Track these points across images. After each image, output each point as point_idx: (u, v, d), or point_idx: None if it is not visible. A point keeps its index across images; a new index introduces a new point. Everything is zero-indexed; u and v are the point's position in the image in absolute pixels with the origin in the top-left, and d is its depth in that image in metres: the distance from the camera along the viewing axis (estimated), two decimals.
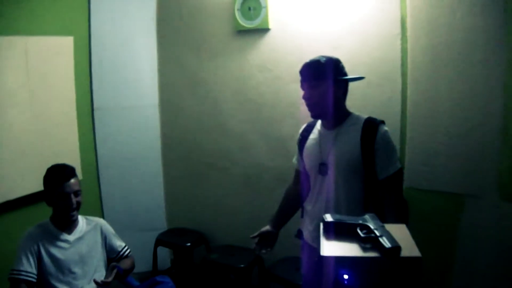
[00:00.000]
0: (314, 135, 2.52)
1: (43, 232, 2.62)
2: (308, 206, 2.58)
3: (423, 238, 2.35)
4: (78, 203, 2.66)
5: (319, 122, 2.53)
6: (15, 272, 2.46)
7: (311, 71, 2.36)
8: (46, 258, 2.57)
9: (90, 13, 3.81)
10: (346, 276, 1.46)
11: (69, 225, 2.71)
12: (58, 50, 3.54)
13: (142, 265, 3.56)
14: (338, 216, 1.68)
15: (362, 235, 1.55)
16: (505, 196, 2.82)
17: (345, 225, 1.64)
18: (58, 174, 2.62)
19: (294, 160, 2.79)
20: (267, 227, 2.82)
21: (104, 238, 2.87)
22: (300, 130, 2.68)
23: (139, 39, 4.06)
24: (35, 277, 2.51)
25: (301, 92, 3.40)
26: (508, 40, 2.70)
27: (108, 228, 2.93)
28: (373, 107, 3.22)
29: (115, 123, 4.03)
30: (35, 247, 2.54)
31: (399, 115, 3.16)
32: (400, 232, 1.60)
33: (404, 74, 3.11)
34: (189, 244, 3.89)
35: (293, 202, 2.79)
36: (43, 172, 2.64)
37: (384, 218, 2.14)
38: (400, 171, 2.33)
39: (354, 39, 3.24)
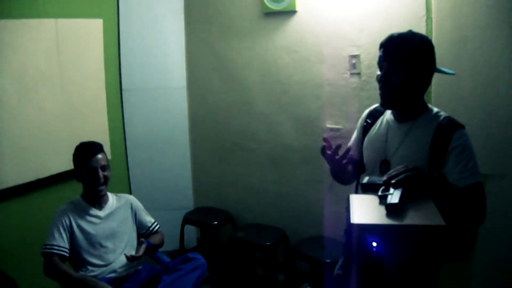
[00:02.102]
0: (381, 125, 2.15)
1: (75, 208, 2.71)
2: None
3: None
4: (106, 178, 2.74)
5: (388, 111, 2.14)
6: (48, 246, 2.54)
7: (400, 51, 1.89)
8: (78, 233, 2.65)
9: None
10: (374, 244, 1.52)
11: (99, 201, 2.80)
12: (87, 32, 3.60)
13: (169, 244, 3.61)
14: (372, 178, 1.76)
15: (380, 193, 1.60)
16: None
17: (373, 185, 1.70)
18: (86, 149, 2.71)
19: (351, 143, 2.37)
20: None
21: (134, 214, 2.95)
22: (364, 114, 2.30)
23: (166, 21, 4.10)
24: (68, 251, 2.58)
25: (327, 73, 3.39)
26: None
27: (138, 204, 3.01)
28: None
29: (143, 104, 4.09)
30: (67, 222, 2.63)
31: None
32: (426, 204, 1.65)
33: None
34: (215, 222, 3.95)
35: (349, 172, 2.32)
36: (73, 151, 2.73)
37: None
38: (481, 185, 1.87)
39: (380, 21, 3.24)
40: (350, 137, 2.41)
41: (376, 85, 2.06)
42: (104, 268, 2.68)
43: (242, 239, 3.70)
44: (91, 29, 3.63)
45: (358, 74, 3.39)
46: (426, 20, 3.11)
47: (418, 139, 1.94)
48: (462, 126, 1.91)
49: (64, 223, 2.61)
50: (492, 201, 3.00)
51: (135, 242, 2.90)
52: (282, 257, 3.77)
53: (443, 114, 1.97)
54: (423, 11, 3.11)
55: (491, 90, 2.92)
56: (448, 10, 3.02)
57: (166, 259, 2.97)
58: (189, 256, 2.84)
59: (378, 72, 1.98)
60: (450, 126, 1.89)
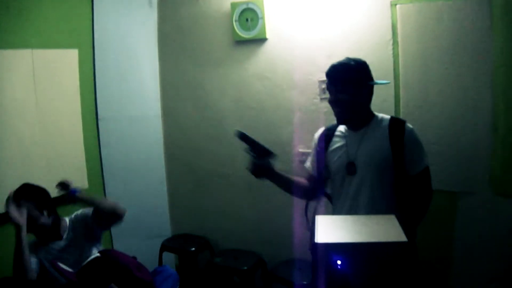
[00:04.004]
0: (338, 138, 2.51)
1: (39, 252, 2.68)
2: (335, 210, 2.56)
3: (421, 237, 2.47)
4: (42, 227, 2.67)
5: (341, 126, 2.53)
6: None
7: (341, 75, 2.34)
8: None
9: (93, 26, 3.89)
10: (339, 262, 1.58)
11: (57, 235, 2.76)
12: (63, 62, 3.64)
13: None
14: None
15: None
16: (498, 191, 2.91)
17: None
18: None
19: (308, 163, 2.73)
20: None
21: (85, 220, 2.80)
22: (317, 135, 2.66)
23: (141, 51, 4.16)
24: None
25: (298, 99, 3.53)
26: (494, 41, 2.82)
27: (83, 211, 2.86)
28: None
29: (119, 133, 4.11)
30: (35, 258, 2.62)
31: None
32: (389, 221, 1.72)
33: (396, 78, 3.22)
34: (193, 249, 3.97)
35: (297, 185, 2.68)
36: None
37: (407, 211, 2.29)
38: (428, 168, 2.39)
39: (348, 46, 3.34)
40: None
41: None
42: None
43: (220, 264, 3.73)
44: (67, 59, 3.67)
45: (327, 98, 3.48)
46: (393, 44, 3.23)
47: (377, 138, 2.37)
48: (405, 121, 2.41)
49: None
50: (465, 218, 3.11)
51: (97, 246, 2.86)
52: (260, 282, 3.79)
53: (386, 116, 2.45)
54: (389, 36, 3.23)
55: (458, 110, 3.03)
56: (413, 35, 3.14)
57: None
58: (157, 270, 2.85)
59: (328, 96, 2.43)
60: (399, 121, 2.42)
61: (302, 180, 2.73)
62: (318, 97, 3.53)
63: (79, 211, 2.89)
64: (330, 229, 1.72)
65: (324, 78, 3.41)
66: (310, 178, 2.71)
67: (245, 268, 3.61)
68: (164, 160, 4.35)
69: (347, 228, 1.75)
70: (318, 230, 1.68)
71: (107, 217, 2.73)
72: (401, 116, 3.16)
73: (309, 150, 3.56)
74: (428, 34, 3.09)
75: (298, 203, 3.65)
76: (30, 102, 3.39)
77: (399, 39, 3.19)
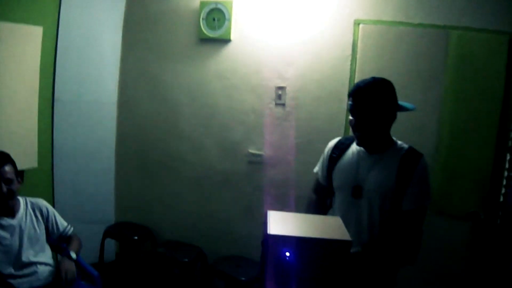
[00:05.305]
0: (350, 155, 2.37)
1: None
2: None
3: None
4: (11, 192, 2.65)
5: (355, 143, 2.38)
6: None
7: (368, 98, 2.14)
8: None
9: (60, 5, 3.87)
10: (288, 254, 1.71)
11: (11, 210, 2.73)
12: (26, 38, 3.61)
13: (89, 257, 3.62)
14: None
15: None
16: (435, 211, 3.12)
17: None
18: None
19: (317, 170, 2.60)
20: None
21: (46, 218, 2.90)
22: (331, 144, 2.51)
23: (105, 36, 4.17)
24: None
25: (254, 102, 3.63)
26: (446, 71, 3.04)
27: (50, 208, 2.96)
28: (320, 121, 3.53)
29: (74, 116, 4.10)
30: None
31: (342, 129, 3.46)
32: (336, 222, 1.88)
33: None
34: (136, 237, 4.01)
35: (317, 212, 2.56)
36: None
37: (391, 247, 2.23)
38: (425, 209, 2.24)
39: (308, 57, 3.51)
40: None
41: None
42: (28, 278, 2.68)
43: (160, 254, 3.80)
44: (31, 36, 3.64)
45: (283, 105, 3.63)
46: (351, 60, 3.40)
47: (387, 167, 2.22)
48: (422, 155, 2.24)
49: None
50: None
51: (46, 246, 2.89)
52: (199, 275, 3.90)
53: (405, 145, 2.29)
54: (349, 51, 3.42)
55: (406, 130, 3.18)
56: (372, 54, 3.33)
57: (93, 271, 2.99)
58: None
59: (351, 117, 2.23)
60: (415, 154, 2.23)
61: (315, 202, 2.63)
62: (273, 102, 3.68)
63: (38, 201, 2.93)
64: (281, 223, 1.84)
65: (281, 84, 3.60)
66: (319, 189, 2.61)
67: (186, 260, 3.70)
68: (115, 148, 4.36)
69: (297, 224, 1.88)
70: (271, 223, 1.80)
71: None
72: (349, 131, 3.25)
73: (260, 152, 3.71)
74: (386, 55, 3.29)
75: (242, 201, 3.80)
76: None
77: (358, 55, 3.37)
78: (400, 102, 2.25)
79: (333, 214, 2.43)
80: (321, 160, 2.56)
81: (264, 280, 1.78)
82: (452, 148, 3.01)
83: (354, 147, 2.37)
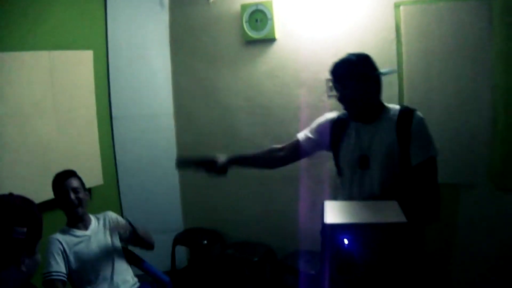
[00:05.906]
0: (351, 130, 2.41)
1: (64, 234, 2.78)
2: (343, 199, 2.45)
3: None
4: (79, 199, 2.79)
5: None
6: (47, 274, 2.60)
7: (343, 71, 2.31)
8: (71, 256, 2.72)
9: (107, 27, 4.03)
10: (346, 241, 1.73)
11: (83, 223, 2.86)
12: (79, 63, 3.76)
13: (161, 265, 3.72)
14: None
15: None
16: (498, 186, 3.03)
17: None
18: (58, 176, 2.83)
19: (302, 134, 2.68)
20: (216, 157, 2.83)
21: (116, 223, 2.97)
22: (326, 123, 2.56)
23: (153, 51, 4.27)
24: (65, 275, 2.65)
25: (306, 96, 3.64)
26: (494, 41, 2.94)
27: (112, 215, 3.06)
28: None
29: (132, 131, 4.22)
30: (61, 248, 2.70)
31: None
32: (391, 205, 1.88)
33: (400, 76, 3.35)
34: (205, 242, 4.08)
35: (266, 160, 2.84)
36: None
37: (410, 207, 2.03)
38: (434, 161, 2.27)
39: (353, 45, 3.44)
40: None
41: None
42: (104, 285, 2.77)
43: (230, 255, 3.86)
44: (82, 60, 3.79)
45: (335, 96, 3.60)
46: (396, 44, 3.35)
47: (386, 132, 2.29)
48: (414, 109, 2.31)
49: (58, 249, 2.68)
50: (466, 212, 3.21)
51: (124, 262, 2.97)
52: (269, 274, 3.92)
53: (397, 106, 2.39)
54: (393, 35, 3.36)
55: (459, 105, 3.15)
56: (416, 35, 3.26)
57: (165, 277, 3.07)
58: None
59: (335, 93, 2.40)
60: (408, 110, 2.31)
61: (275, 152, 2.78)
62: (326, 95, 3.67)
63: (111, 214, 3.05)
64: (337, 212, 1.88)
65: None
66: (291, 146, 2.71)
67: (256, 259, 3.74)
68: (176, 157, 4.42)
69: (353, 211, 1.92)
70: (327, 213, 1.83)
71: (141, 244, 2.98)
72: None
73: None
74: (430, 34, 3.22)
75: (305, 196, 3.79)
76: (48, 102, 3.49)
77: (403, 38, 3.31)
78: (381, 70, 2.37)
79: (343, 194, 2.48)
80: (311, 128, 2.65)
81: (325, 269, 1.82)
82: (509, 119, 2.90)
83: (352, 123, 2.44)
